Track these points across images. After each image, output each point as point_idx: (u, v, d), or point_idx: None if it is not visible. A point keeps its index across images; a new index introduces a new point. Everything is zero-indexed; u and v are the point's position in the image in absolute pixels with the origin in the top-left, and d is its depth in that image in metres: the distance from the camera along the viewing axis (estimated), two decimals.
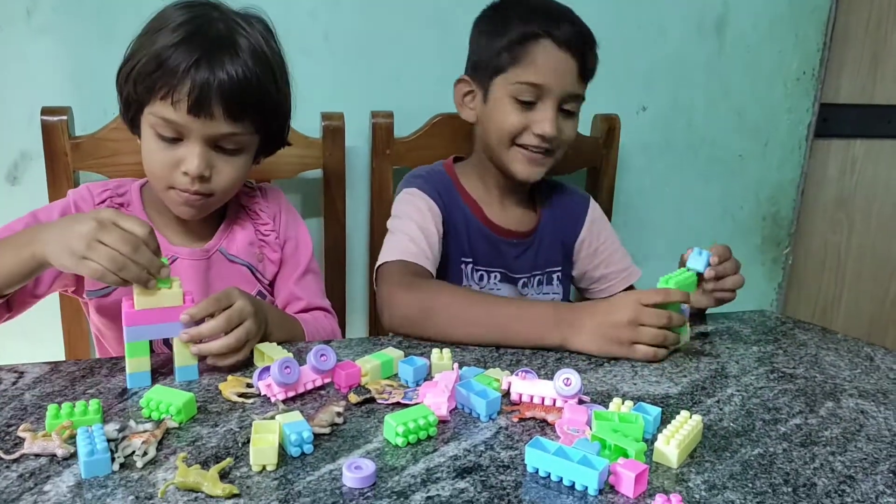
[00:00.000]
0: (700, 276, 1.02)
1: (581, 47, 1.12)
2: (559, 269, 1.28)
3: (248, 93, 0.95)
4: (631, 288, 1.28)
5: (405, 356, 0.88)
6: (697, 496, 0.66)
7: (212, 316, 0.84)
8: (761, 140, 1.77)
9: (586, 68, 1.14)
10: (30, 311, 1.20)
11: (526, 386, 0.80)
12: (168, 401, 0.74)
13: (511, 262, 1.23)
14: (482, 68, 1.18)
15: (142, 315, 0.80)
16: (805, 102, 1.78)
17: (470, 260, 1.21)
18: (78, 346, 1.29)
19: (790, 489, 0.67)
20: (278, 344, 0.90)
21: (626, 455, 0.68)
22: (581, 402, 0.80)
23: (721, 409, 0.82)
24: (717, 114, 1.71)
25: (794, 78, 1.75)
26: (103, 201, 1.04)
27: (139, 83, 0.95)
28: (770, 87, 1.74)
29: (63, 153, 1.23)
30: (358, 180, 1.48)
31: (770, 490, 0.67)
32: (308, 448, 0.70)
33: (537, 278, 1.26)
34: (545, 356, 0.94)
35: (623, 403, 0.77)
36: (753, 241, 1.86)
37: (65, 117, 1.23)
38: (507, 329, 0.96)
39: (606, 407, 0.77)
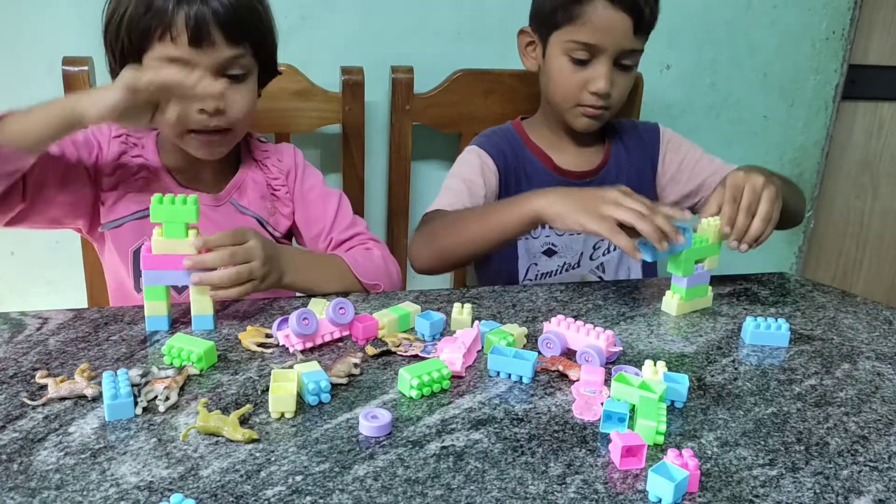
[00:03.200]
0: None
1: (636, 3, 1.10)
2: None
3: (242, 13, 0.96)
4: None
5: (422, 311, 0.89)
6: (709, 452, 0.66)
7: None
8: (786, 101, 1.74)
9: (643, 23, 1.12)
10: (53, 259, 1.23)
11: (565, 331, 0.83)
12: (189, 348, 0.76)
13: None
14: (540, 22, 1.19)
15: (159, 260, 0.81)
16: (833, 63, 1.74)
17: None
18: (101, 297, 1.31)
19: (802, 447, 0.68)
20: (305, 289, 0.96)
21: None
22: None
23: (736, 369, 0.82)
24: (742, 73, 1.68)
25: (823, 38, 1.71)
26: (119, 136, 1.06)
27: (133, 31, 0.95)
28: (797, 47, 1.70)
29: None
30: (377, 136, 1.47)
31: (782, 448, 0.68)
32: (325, 397, 0.71)
33: None
34: (564, 305, 0.94)
35: (656, 367, 0.76)
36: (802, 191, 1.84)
37: (86, 67, 1.23)
38: (489, 220, 1.01)
39: (639, 367, 0.77)
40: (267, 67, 1.08)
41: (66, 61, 1.23)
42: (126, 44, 0.96)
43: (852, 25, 1.73)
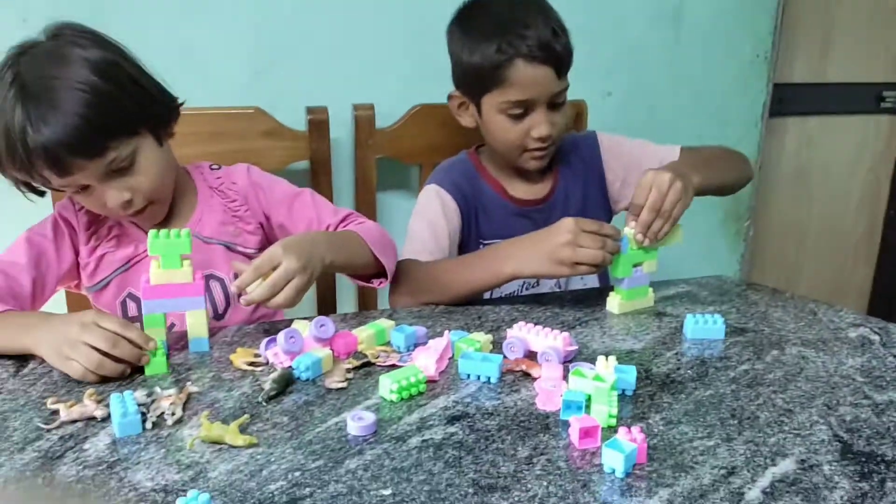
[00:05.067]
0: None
1: (553, 51, 1.16)
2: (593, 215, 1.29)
3: (90, 133, 0.95)
4: None
5: (396, 325, 0.98)
6: (656, 430, 0.76)
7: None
8: (719, 121, 1.88)
9: (562, 66, 1.19)
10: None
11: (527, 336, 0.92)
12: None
13: (542, 226, 1.23)
14: (468, 86, 1.25)
15: (157, 290, 0.88)
16: (759, 83, 1.90)
17: (497, 240, 1.25)
18: None
19: (736, 421, 0.78)
20: (343, 267, 1.07)
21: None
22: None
23: (679, 360, 0.93)
24: (677, 97, 1.82)
25: (748, 61, 1.86)
26: (83, 207, 1.10)
27: (12, 169, 0.98)
28: (725, 71, 1.85)
29: None
30: (343, 170, 1.56)
31: (718, 423, 0.78)
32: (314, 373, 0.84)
33: None
34: (525, 315, 1.04)
35: (607, 361, 0.84)
36: (716, 215, 1.97)
37: None
38: (468, 280, 1.10)
39: (593, 363, 0.86)
40: (161, 120, 1.07)
41: None
42: (12, 173, 1.00)
43: (774, 48, 1.88)
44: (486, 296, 1.18)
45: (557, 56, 1.17)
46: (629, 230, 1.06)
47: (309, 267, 0.96)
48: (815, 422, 0.78)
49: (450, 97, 1.31)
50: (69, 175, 0.97)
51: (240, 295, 0.95)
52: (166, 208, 1.12)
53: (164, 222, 1.13)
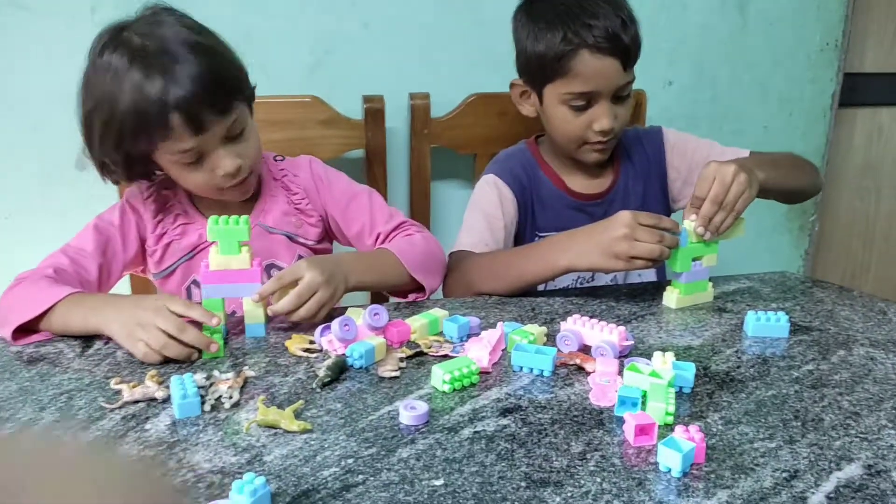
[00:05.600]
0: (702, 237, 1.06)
1: (620, 43, 1.14)
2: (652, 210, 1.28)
3: (221, 83, 0.99)
4: None
5: (450, 316, 0.97)
6: (714, 429, 0.74)
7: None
8: (785, 111, 1.82)
9: (629, 59, 1.17)
10: None
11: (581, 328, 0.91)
12: None
13: (598, 212, 1.28)
14: (531, 75, 1.23)
15: (215, 275, 0.90)
16: (829, 73, 1.83)
17: (554, 233, 1.24)
18: None
19: (799, 423, 0.75)
20: (373, 286, 1.09)
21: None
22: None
23: (739, 358, 0.90)
24: (741, 87, 1.77)
25: (818, 49, 1.80)
26: (150, 196, 1.13)
27: (136, 141, 0.99)
28: (793, 59, 1.79)
29: None
30: (398, 159, 1.57)
31: (781, 424, 0.75)
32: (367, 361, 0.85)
33: None
34: (579, 307, 1.02)
35: (664, 357, 0.83)
36: (780, 209, 1.91)
37: None
38: (523, 272, 1.08)
39: (649, 359, 0.84)
40: (251, 96, 1.11)
41: None
42: (131, 152, 1.01)
43: (845, 36, 1.81)
44: (540, 288, 1.17)
45: (625, 48, 1.15)
46: (689, 223, 1.04)
47: (332, 283, 0.96)
48: (884, 426, 0.75)
49: (512, 85, 1.29)
50: (203, 132, 0.99)
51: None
52: (255, 185, 1.14)
53: (234, 210, 1.14)
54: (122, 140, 0.99)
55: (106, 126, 0.99)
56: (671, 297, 1.06)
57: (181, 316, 0.88)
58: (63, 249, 1.07)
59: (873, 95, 2.01)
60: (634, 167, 1.32)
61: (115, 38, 0.98)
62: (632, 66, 1.18)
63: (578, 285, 1.31)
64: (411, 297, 1.12)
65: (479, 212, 1.25)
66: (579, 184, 1.30)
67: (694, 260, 1.04)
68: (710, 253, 1.05)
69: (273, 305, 0.94)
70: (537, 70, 1.20)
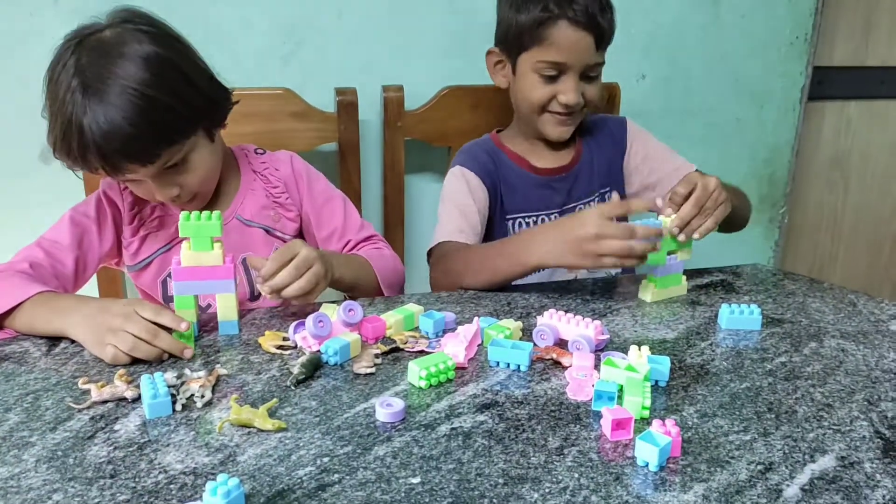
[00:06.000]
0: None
1: (596, 22, 1.19)
2: (608, 189, 1.34)
3: (139, 141, 0.95)
4: None
5: (425, 311, 0.97)
6: (690, 423, 0.74)
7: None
8: (757, 104, 1.84)
9: (603, 40, 1.22)
10: None
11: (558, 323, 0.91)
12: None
13: (565, 196, 1.33)
14: (508, 44, 1.26)
15: (187, 272, 0.88)
16: (799, 66, 1.84)
17: (522, 214, 1.30)
18: None
19: (773, 416, 0.76)
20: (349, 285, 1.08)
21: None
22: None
23: (713, 351, 0.91)
24: (714, 80, 1.78)
25: (788, 42, 1.81)
26: (126, 187, 1.10)
27: (76, 157, 0.98)
28: (764, 53, 1.80)
29: None
30: (371, 152, 1.55)
31: (755, 416, 0.76)
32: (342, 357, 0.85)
33: (595, 201, 1.33)
34: (555, 302, 1.02)
35: (640, 351, 0.82)
36: (751, 201, 1.93)
37: None
38: (496, 267, 1.08)
39: (625, 353, 0.84)
40: (215, 117, 1.07)
41: None
42: (80, 162, 1.00)
43: (815, 30, 1.83)
44: (518, 282, 1.16)
45: (600, 26, 1.20)
46: (665, 218, 1.04)
47: (324, 262, 0.97)
48: (856, 417, 0.76)
49: (488, 53, 1.32)
50: (120, 174, 1.00)
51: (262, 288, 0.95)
52: (211, 195, 1.14)
53: (208, 204, 1.14)
54: (68, 149, 0.98)
55: (53, 129, 0.98)
56: (646, 291, 1.06)
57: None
58: (38, 242, 1.05)
59: (842, 89, 2.03)
60: (598, 144, 1.36)
61: (74, 48, 0.96)
62: (604, 47, 1.23)
63: (556, 278, 1.31)
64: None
65: (451, 203, 1.27)
66: (543, 160, 1.33)
67: (669, 254, 1.05)
68: (685, 247, 1.06)
69: (270, 281, 0.92)
70: (515, 38, 1.23)
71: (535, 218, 1.31)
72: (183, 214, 0.88)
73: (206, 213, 0.88)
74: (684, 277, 1.08)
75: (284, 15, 1.46)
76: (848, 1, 1.94)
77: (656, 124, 1.74)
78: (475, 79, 1.52)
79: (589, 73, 1.23)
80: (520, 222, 1.31)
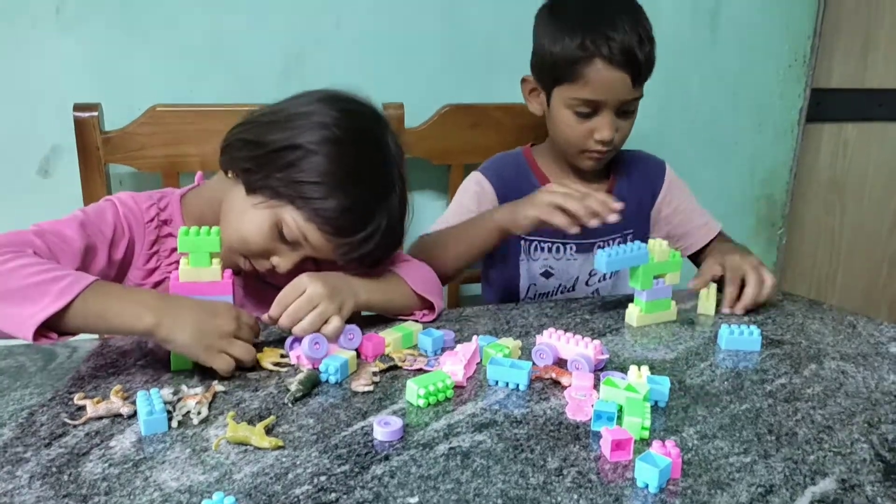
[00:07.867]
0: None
1: (634, 58, 1.16)
2: (631, 231, 1.31)
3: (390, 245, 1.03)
4: (712, 242, 1.34)
5: (423, 329, 0.96)
6: (690, 444, 0.74)
7: None
8: (755, 124, 1.85)
9: (640, 75, 1.19)
10: None
11: (556, 342, 0.91)
12: None
13: (586, 230, 1.27)
14: (542, 74, 1.25)
15: (184, 287, 0.88)
16: (797, 88, 1.86)
17: (538, 238, 1.29)
18: None
19: (773, 438, 0.76)
20: (381, 307, 1.03)
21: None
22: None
23: (713, 371, 0.90)
24: (712, 101, 1.79)
25: (787, 65, 1.83)
26: (152, 219, 1.03)
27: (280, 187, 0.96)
28: (763, 74, 1.81)
29: (95, 147, 1.31)
30: None
31: (755, 438, 0.75)
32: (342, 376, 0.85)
33: (616, 241, 1.30)
34: (554, 321, 1.02)
35: (640, 371, 0.81)
36: (748, 221, 1.94)
37: (96, 113, 1.30)
38: (469, 242, 1.15)
39: (624, 373, 0.83)
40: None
41: (77, 107, 1.30)
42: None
43: (813, 52, 1.84)
44: (523, 296, 1.17)
45: (637, 64, 1.17)
46: (653, 240, 1.04)
47: (337, 296, 0.92)
48: (857, 440, 0.76)
49: (523, 80, 1.31)
50: (319, 246, 0.97)
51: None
52: None
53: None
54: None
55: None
56: (632, 315, 1.05)
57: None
58: (36, 232, 0.90)
59: (840, 111, 2.04)
60: (630, 182, 1.34)
61: (337, 120, 1.01)
62: (641, 83, 1.21)
63: (560, 293, 1.31)
64: (418, 314, 1.05)
65: (456, 203, 1.30)
66: None
67: (655, 277, 1.04)
68: (672, 271, 1.05)
69: (280, 321, 0.90)
70: (550, 70, 1.22)
71: (549, 244, 1.30)
72: (182, 230, 0.87)
73: (204, 227, 0.88)
74: (673, 303, 1.07)
75: (284, 31, 1.47)
76: (846, 23, 1.96)
77: (654, 142, 1.75)
78: (475, 97, 1.53)
79: (625, 108, 1.21)
80: (536, 245, 1.30)
